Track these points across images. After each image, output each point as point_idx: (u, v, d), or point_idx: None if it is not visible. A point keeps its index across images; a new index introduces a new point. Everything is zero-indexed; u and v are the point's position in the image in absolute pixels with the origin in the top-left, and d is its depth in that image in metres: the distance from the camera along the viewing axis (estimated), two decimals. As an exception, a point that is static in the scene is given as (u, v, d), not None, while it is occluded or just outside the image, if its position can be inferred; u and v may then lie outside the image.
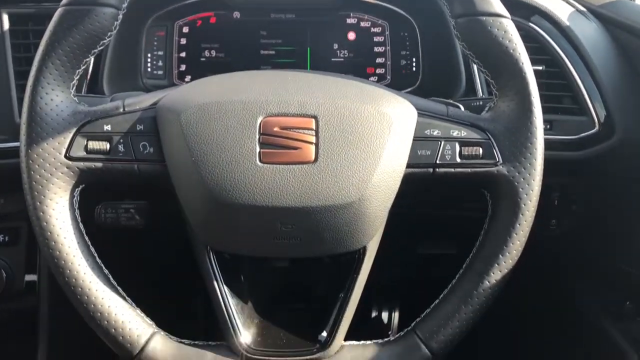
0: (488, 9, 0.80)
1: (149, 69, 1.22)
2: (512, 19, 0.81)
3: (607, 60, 1.13)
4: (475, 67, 1.15)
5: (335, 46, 1.24)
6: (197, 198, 0.78)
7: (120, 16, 0.80)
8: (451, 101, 0.89)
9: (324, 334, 0.84)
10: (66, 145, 0.79)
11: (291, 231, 0.78)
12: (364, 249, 0.82)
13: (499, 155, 0.82)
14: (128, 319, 0.81)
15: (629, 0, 1.22)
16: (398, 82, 1.22)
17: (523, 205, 0.81)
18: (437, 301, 0.85)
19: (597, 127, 1.09)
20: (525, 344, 1.55)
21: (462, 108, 0.88)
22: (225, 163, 0.76)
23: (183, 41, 1.23)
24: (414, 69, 1.24)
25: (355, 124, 0.78)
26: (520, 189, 0.81)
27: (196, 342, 0.84)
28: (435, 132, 0.82)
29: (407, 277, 1.57)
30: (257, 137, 0.78)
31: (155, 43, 1.22)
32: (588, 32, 1.15)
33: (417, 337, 0.84)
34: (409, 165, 0.81)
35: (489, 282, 0.82)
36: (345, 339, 0.85)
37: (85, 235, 0.82)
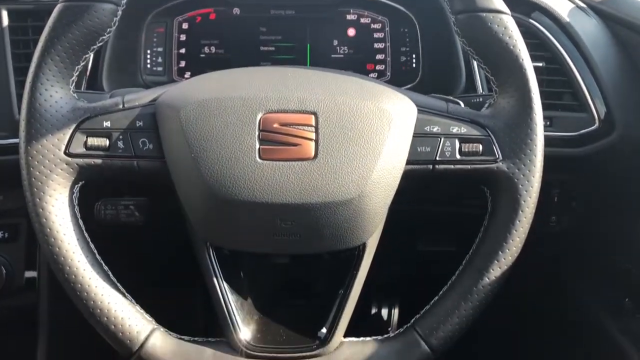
0: (488, 5, 0.80)
1: (149, 66, 1.22)
2: (512, 16, 0.81)
3: (608, 56, 1.13)
4: (475, 63, 1.14)
5: (335, 42, 1.23)
6: (197, 194, 0.78)
7: (120, 12, 0.80)
8: (451, 98, 0.89)
9: (324, 330, 0.84)
10: (65, 142, 0.79)
11: (291, 228, 0.78)
12: (364, 245, 0.83)
13: (499, 152, 0.81)
14: (127, 316, 0.81)
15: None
16: (398, 79, 1.21)
17: (523, 202, 0.81)
18: (436, 298, 0.85)
19: (597, 124, 1.09)
20: (524, 340, 1.55)
21: (462, 104, 0.88)
22: (225, 159, 0.76)
23: (183, 37, 1.23)
24: (414, 65, 1.24)
25: (355, 121, 0.78)
26: (520, 186, 0.81)
27: (196, 339, 0.85)
28: (435, 129, 0.82)
29: (406, 274, 1.57)
30: (257, 133, 0.77)
31: (155, 39, 1.22)
32: (588, 28, 1.15)
33: (417, 333, 0.84)
34: (408, 162, 0.81)
35: (488, 278, 0.82)
36: (345, 336, 0.85)
37: (84, 231, 0.82)
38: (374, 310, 1.63)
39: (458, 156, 0.82)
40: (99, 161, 0.80)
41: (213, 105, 0.78)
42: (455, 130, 0.82)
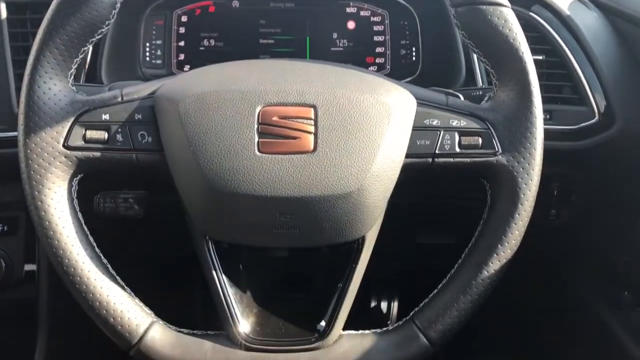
0: None
1: (148, 58, 1.22)
2: (512, 8, 0.81)
3: (608, 49, 1.13)
4: (475, 56, 1.14)
5: (335, 35, 1.23)
6: (196, 188, 0.78)
7: (118, 5, 0.80)
8: (451, 91, 0.89)
9: (323, 323, 0.85)
10: (64, 135, 0.79)
11: (290, 221, 0.78)
12: (363, 238, 0.83)
13: (499, 145, 0.81)
14: (127, 308, 0.81)
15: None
16: (398, 72, 1.21)
17: (522, 195, 0.81)
18: (435, 291, 0.85)
19: (597, 117, 1.09)
20: (523, 334, 1.55)
21: (462, 98, 0.87)
22: (224, 153, 0.76)
23: (182, 30, 1.22)
24: (413, 58, 1.23)
25: (355, 114, 0.78)
26: (520, 179, 0.81)
27: (195, 332, 0.85)
28: (435, 122, 0.82)
29: (406, 267, 1.57)
30: (256, 126, 0.77)
31: (154, 32, 1.22)
32: (589, 21, 1.15)
33: (416, 326, 0.84)
34: (408, 155, 0.81)
35: (487, 272, 0.82)
36: (344, 329, 0.85)
37: (83, 224, 0.82)
38: (373, 304, 1.63)
39: (457, 149, 0.82)
40: (97, 154, 0.80)
41: (212, 98, 0.78)
42: (454, 123, 0.82)
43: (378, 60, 1.23)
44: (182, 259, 1.00)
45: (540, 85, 0.82)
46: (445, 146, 0.82)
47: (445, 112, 0.82)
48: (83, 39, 0.79)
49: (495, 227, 0.82)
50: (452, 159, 0.82)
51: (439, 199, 1.19)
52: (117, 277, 0.83)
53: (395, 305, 1.62)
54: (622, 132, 1.09)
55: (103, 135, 0.80)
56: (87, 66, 1.13)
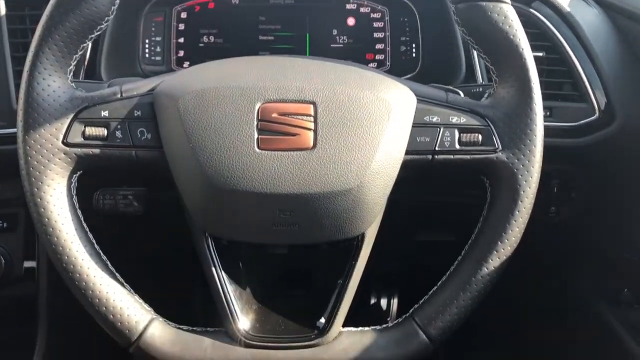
0: None
1: (147, 55, 1.21)
2: (512, 5, 0.81)
3: (608, 46, 1.12)
4: (475, 53, 1.14)
5: (335, 32, 1.23)
6: (195, 184, 0.78)
7: (118, 1, 0.80)
8: (451, 87, 0.89)
9: (322, 320, 0.85)
10: (63, 131, 0.79)
11: (289, 218, 0.78)
12: (363, 235, 0.82)
13: (499, 142, 0.81)
14: (126, 305, 0.81)
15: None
16: (398, 69, 1.21)
17: (522, 192, 0.81)
18: (435, 288, 0.85)
19: (597, 114, 1.09)
20: (524, 331, 1.55)
21: (462, 94, 0.87)
22: (223, 149, 0.76)
23: (181, 27, 1.22)
24: (413, 55, 1.23)
25: (354, 110, 0.78)
26: (520, 176, 0.81)
27: (194, 328, 0.85)
28: (435, 119, 0.82)
29: (405, 264, 1.58)
30: (255, 123, 0.77)
31: (153, 29, 1.21)
32: (589, 18, 1.15)
33: (415, 323, 0.84)
34: (408, 152, 0.81)
35: (487, 269, 0.82)
36: (344, 326, 0.85)
37: (83, 221, 0.82)
38: (373, 301, 1.63)
39: (457, 146, 0.82)
40: (97, 151, 0.80)
41: (211, 95, 0.78)
42: (454, 120, 0.82)
43: (378, 56, 1.23)
44: (182, 256, 1.01)
45: (541, 82, 0.82)
46: (445, 143, 0.82)
47: (445, 109, 0.82)
48: (82, 35, 0.79)
49: (495, 224, 0.82)
50: (452, 156, 0.82)
51: (439, 196, 1.19)
52: (117, 274, 0.83)
53: (395, 302, 1.62)
54: (623, 129, 1.09)
55: (102, 131, 0.80)
56: (86, 63, 1.13)
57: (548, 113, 1.09)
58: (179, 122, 0.77)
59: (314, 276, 0.95)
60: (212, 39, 1.22)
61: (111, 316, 0.80)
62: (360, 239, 0.83)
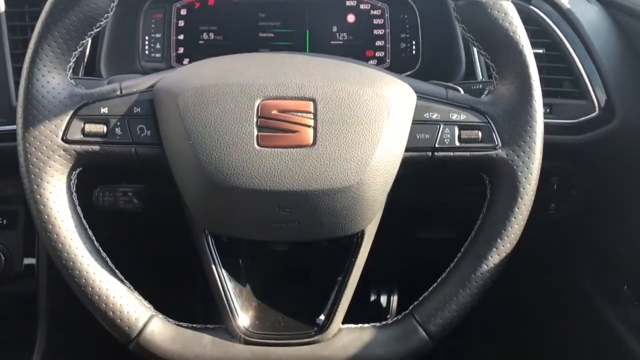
0: None
1: (147, 52, 1.21)
2: (512, 2, 0.81)
3: (608, 43, 1.12)
4: (475, 50, 1.14)
5: (335, 29, 1.23)
6: (195, 181, 0.78)
7: None
8: (451, 84, 0.89)
9: (322, 317, 0.85)
10: (63, 128, 0.79)
11: (289, 215, 0.78)
12: (362, 232, 0.82)
13: (498, 139, 0.81)
14: (126, 302, 0.81)
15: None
16: (398, 65, 1.21)
17: (522, 189, 0.81)
18: (435, 285, 0.85)
19: (597, 111, 1.09)
20: (524, 328, 1.56)
21: (462, 91, 0.87)
22: (223, 146, 0.76)
23: (181, 23, 1.22)
24: (413, 52, 1.23)
25: (354, 107, 0.78)
26: (520, 173, 0.81)
27: (194, 325, 0.85)
28: (435, 116, 0.82)
29: (405, 261, 1.58)
30: (255, 120, 0.77)
31: (153, 25, 1.21)
32: (589, 15, 1.15)
33: (415, 320, 0.84)
34: (407, 149, 0.80)
35: (487, 265, 0.82)
36: (344, 323, 0.85)
37: (82, 218, 0.82)
38: (372, 298, 1.63)
39: (457, 143, 0.82)
40: (96, 148, 0.80)
41: (211, 92, 0.78)
42: (454, 117, 0.82)
43: (378, 53, 1.23)
44: (182, 253, 1.00)
45: (541, 79, 0.82)
46: (445, 140, 0.82)
47: (445, 106, 0.82)
48: (82, 32, 0.78)
49: (495, 221, 0.82)
50: (451, 153, 0.82)
51: (439, 193, 1.19)
52: (116, 271, 0.83)
53: (394, 299, 1.63)
54: (623, 126, 1.09)
55: (102, 128, 0.80)
56: (86, 59, 1.13)
57: (548, 110, 1.09)
58: (178, 119, 0.77)
59: (313, 273, 0.95)
60: (212, 35, 1.22)
61: (111, 313, 0.80)
62: (360, 236, 0.83)
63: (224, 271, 0.84)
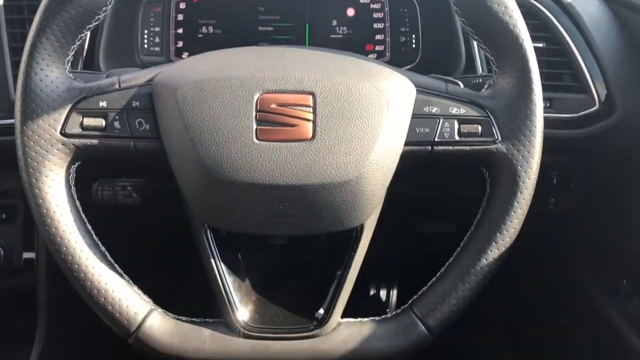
0: None
1: (146, 46, 1.21)
2: None
3: (609, 37, 1.12)
4: (475, 44, 1.14)
5: (334, 22, 1.22)
6: (193, 175, 0.78)
7: None
8: (450, 78, 0.88)
9: (321, 311, 0.85)
10: (61, 122, 0.79)
11: (288, 209, 0.78)
12: (362, 227, 0.82)
13: (498, 133, 0.81)
14: (125, 296, 0.81)
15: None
16: (397, 59, 1.21)
17: (522, 184, 0.81)
18: (434, 279, 0.85)
19: (597, 106, 1.09)
20: (523, 322, 1.56)
21: (462, 85, 0.87)
22: (222, 140, 0.76)
23: (180, 17, 1.21)
24: (413, 45, 1.23)
25: (353, 101, 0.78)
26: (519, 167, 0.81)
27: (194, 319, 0.85)
28: (434, 110, 0.81)
29: (405, 256, 1.58)
30: (254, 114, 0.77)
31: (152, 19, 1.21)
32: (590, 9, 1.14)
33: (414, 314, 0.84)
34: (407, 143, 0.80)
35: (486, 260, 0.82)
36: (343, 317, 0.85)
37: (81, 212, 0.82)
38: (372, 292, 1.63)
39: (457, 137, 0.82)
40: (95, 142, 0.80)
41: (210, 86, 0.78)
42: (454, 111, 0.82)
43: (378, 47, 1.23)
44: (181, 247, 1.00)
45: (541, 73, 0.82)
46: (445, 134, 0.81)
47: (445, 100, 0.82)
48: (80, 25, 0.78)
49: (495, 215, 0.82)
50: (451, 147, 0.82)
51: (438, 187, 1.19)
52: (115, 265, 0.83)
53: (394, 293, 1.63)
54: (623, 120, 1.08)
55: (100, 122, 0.80)
56: (84, 53, 1.12)
57: (548, 104, 1.09)
58: (177, 113, 0.77)
59: (312, 267, 0.95)
60: (211, 29, 1.22)
61: (110, 307, 0.80)
62: (359, 230, 0.83)
63: (223, 265, 0.83)
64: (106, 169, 1.01)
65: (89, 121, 0.79)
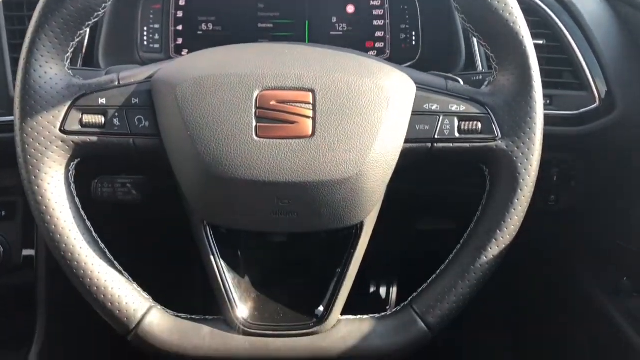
0: None
1: (146, 43, 1.21)
2: None
3: (609, 34, 1.12)
4: (475, 40, 1.13)
5: (334, 19, 1.22)
6: (193, 173, 0.78)
7: None
8: (450, 75, 0.88)
9: (321, 308, 0.85)
10: (61, 119, 0.78)
11: (288, 206, 0.78)
12: (362, 224, 0.82)
13: (498, 130, 0.81)
14: (125, 294, 0.81)
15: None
16: (397, 56, 1.20)
17: (522, 181, 0.81)
18: (434, 276, 0.85)
19: (597, 103, 1.09)
20: (523, 319, 1.56)
21: (462, 82, 0.87)
22: (221, 137, 0.76)
23: (180, 14, 1.21)
24: (413, 43, 1.22)
25: (353, 98, 0.78)
26: (519, 164, 0.81)
27: (193, 317, 0.85)
28: (434, 107, 0.81)
29: (405, 253, 1.58)
30: (254, 111, 0.77)
31: (152, 16, 1.21)
32: (590, 6, 1.14)
33: (414, 311, 0.84)
34: (407, 140, 0.80)
35: (486, 257, 0.82)
36: (342, 314, 0.85)
37: (81, 209, 0.82)
38: (372, 289, 1.63)
39: (457, 134, 0.81)
40: (94, 139, 0.80)
41: (209, 83, 0.78)
42: (454, 108, 0.81)
43: (378, 44, 1.22)
44: (180, 244, 1.00)
45: (541, 70, 0.81)
46: (445, 131, 0.81)
47: (445, 97, 0.82)
48: (79, 22, 0.78)
49: (495, 212, 0.82)
50: (451, 144, 0.82)
51: (439, 185, 1.19)
52: (115, 262, 0.83)
53: (393, 290, 1.63)
54: (623, 117, 1.08)
55: (100, 119, 0.80)
56: (84, 50, 1.12)
57: (548, 101, 1.09)
58: (176, 110, 0.77)
59: (312, 264, 0.95)
60: (210, 26, 1.21)
61: (109, 304, 0.80)
62: (359, 228, 0.83)
63: (222, 262, 0.83)
64: (106, 166, 1.01)
65: (88, 118, 0.79)
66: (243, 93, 0.77)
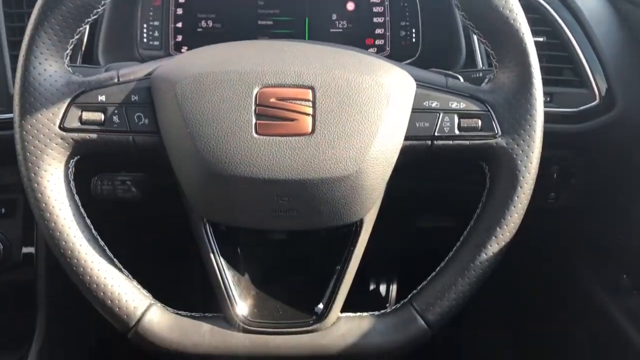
0: None
1: (145, 40, 1.21)
2: None
3: (609, 32, 1.12)
4: (475, 38, 1.13)
5: (334, 17, 1.22)
6: (193, 170, 0.78)
7: None
8: (450, 72, 0.88)
9: (321, 306, 0.85)
10: (60, 116, 0.78)
11: (288, 204, 0.78)
12: (361, 221, 0.82)
13: (498, 127, 0.81)
14: (124, 291, 0.81)
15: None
16: (397, 54, 1.20)
17: (521, 178, 0.81)
18: (433, 273, 0.85)
19: (597, 100, 1.08)
20: (523, 317, 1.56)
21: (462, 79, 0.87)
22: (221, 135, 0.76)
23: (179, 11, 1.21)
24: (413, 40, 1.22)
25: (353, 95, 0.77)
26: (519, 162, 0.80)
27: (193, 314, 0.85)
28: (434, 104, 0.81)
29: (405, 250, 1.58)
30: (253, 108, 0.77)
31: (151, 13, 1.21)
32: (590, 3, 1.14)
33: (414, 309, 0.84)
34: (407, 138, 0.80)
35: (486, 254, 0.82)
36: (342, 311, 0.85)
37: (80, 206, 0.82)
38: (371, 287, 1.63)
39: (457, 132, 0.81)
40: (94, 136, 0.80)
41: (209, 80, 0.77)
42: (454, 105, 0.81)
43: (378, 41, 1.22)
44: (180, 242, 1.00)
45: (541, 67, 0.81)
46: (445, 128, 0.81)
47: (445, 94, 0.82)
48: (78, 19, 0.78)
49: (494, 209, 0.82)
50: (451, 142, 0.82)
51: (438, 182, 1.19)
52: (115, 260, 0.83)
53: (393, 288, 1.63)
54: (623, 114, 1.08)
55: (99, 116, 0.79)
56: (83, 47, 1.12)
57: (548, 98, 1.09)
58: (176, 107, 0.77)
59: (312, 262, 0.95)
60: (210, 23, 1.21)
61: (109, 302, 0.80)
62: (358, 225, 0.82)
63: (222, 260, 0.83)
64: (105, 163, 1.01)
65: (87, 115, 0.79)
66: (243, 90, 0.77)
